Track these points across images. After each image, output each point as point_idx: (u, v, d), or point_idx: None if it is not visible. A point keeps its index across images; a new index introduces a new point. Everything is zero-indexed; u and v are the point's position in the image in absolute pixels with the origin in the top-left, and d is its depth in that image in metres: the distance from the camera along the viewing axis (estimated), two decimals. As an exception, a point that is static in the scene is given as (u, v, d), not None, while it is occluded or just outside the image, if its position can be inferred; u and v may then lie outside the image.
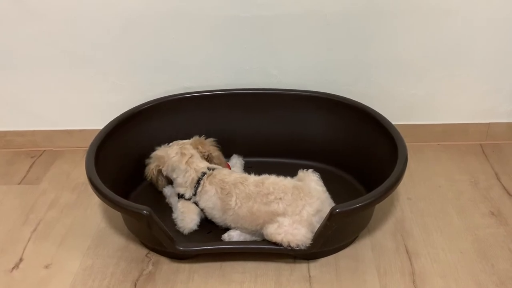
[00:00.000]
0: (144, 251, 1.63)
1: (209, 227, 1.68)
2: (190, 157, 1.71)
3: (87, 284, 1.53)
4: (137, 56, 1.98)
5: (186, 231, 1.66)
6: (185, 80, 2.01)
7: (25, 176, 2.01)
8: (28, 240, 1.69)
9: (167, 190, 1.81)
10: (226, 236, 1.62)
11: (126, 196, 1.73)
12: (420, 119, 2.08)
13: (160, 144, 1.82)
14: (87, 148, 1.69)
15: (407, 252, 1.60)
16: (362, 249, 1.62)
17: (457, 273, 1.52)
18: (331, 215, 1.45)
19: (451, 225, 1.70)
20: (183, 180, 1.69)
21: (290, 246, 1.50)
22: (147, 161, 1.80)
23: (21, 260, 1.62)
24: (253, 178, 1.62)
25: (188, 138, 1.81)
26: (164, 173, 1.76)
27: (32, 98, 2.07)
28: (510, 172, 1.94)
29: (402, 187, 1.81)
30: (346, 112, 1.90)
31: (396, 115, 1.90)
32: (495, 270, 1.53)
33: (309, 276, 1.53)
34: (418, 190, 1.86)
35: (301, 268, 1.55)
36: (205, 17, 1.90)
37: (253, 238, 1.60)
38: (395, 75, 2.00)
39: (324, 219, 1.48)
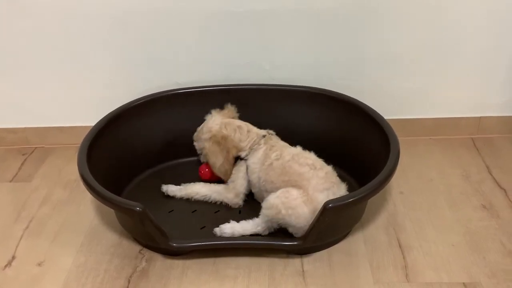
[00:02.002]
0: (137, 247, 1.63)
1: (203, 222, 1.68)
2: (246, 125, 1.78)
3: (80, 281, 1.52)
4: (129, 52, 1.97)
5: (235, 200, 1.74)
6: (177, 76, 2.00)
7: (16, 173, 2.00)
8: (21, 238, 1.69)
9: (166, 188, 1.81)
10: (218, 230, 1.62)
11: (119, 193, 1.72)
12: (412, 114, 2.09)
13: (151, 140, 1.81)
14: (79, 145, 1.69)
15: (399, 245, 1.61)
16: (355, 243, 1.62)
17: (449, 266, 1.53)
18: (324, 210, 1.46)
19: (443, 218, 1.71)
20: (246, 144, 1.75)
21: (282, 214, 1.53)
22: (203, 157, 1.83)
23: (13, 257, 1.61)
24: (301, 148, 1.71)
25: (182, 133, 1.80)
26: (235, 154, 1.76)
27: (23, 95, 2.05)
28: (501, 165, 1.95)
29: (394, 181, 1.82)
30: (338, 107, 1.90)
31: (388, 109, 1.91)
32: (486, 263, 1.54)
33: (303, 271, 1.53)
34: (410, 184, 1.87)
35: (295, 263, 1.56)
36: (197, 12, 1.90)
37: (244, 233, 1.60)
38: (387, 70, 2.00)
39: (317, 214, 1.49)
